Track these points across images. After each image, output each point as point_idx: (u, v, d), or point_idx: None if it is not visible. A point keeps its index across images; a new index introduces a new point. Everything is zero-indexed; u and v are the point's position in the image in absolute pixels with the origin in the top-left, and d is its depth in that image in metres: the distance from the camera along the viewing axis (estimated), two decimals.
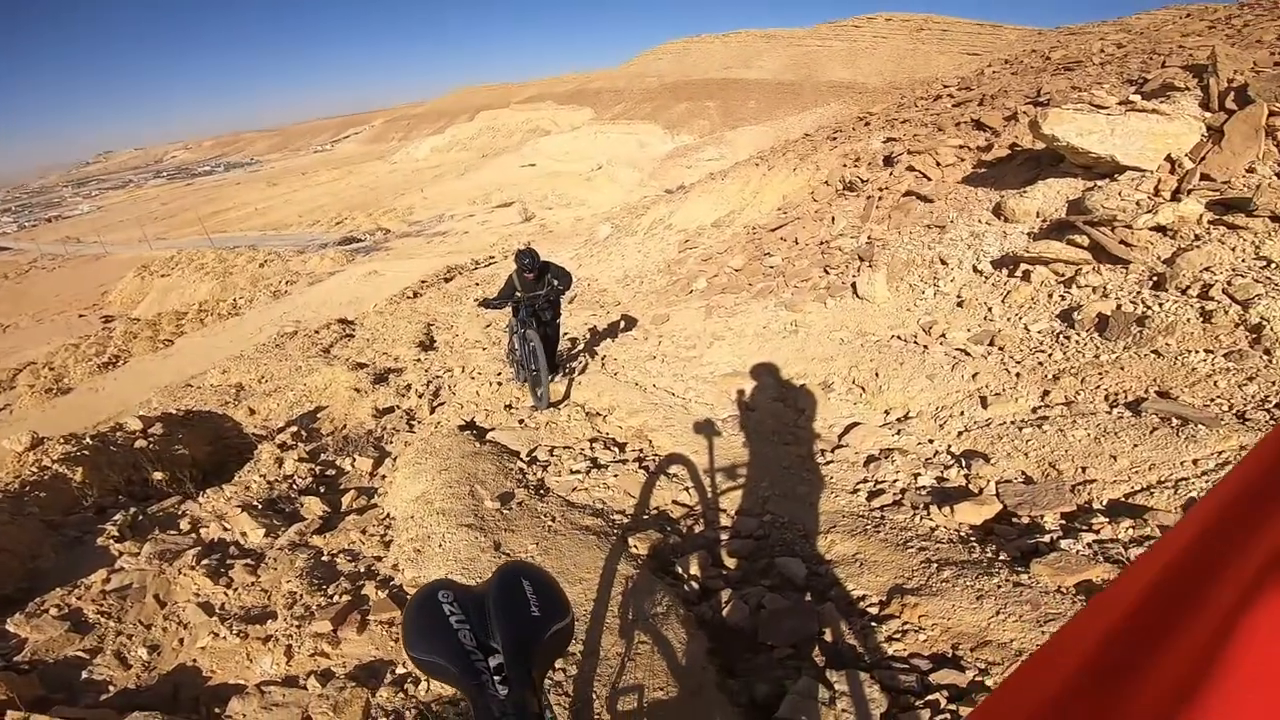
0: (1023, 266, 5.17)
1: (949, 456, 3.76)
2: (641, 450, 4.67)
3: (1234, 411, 3.18)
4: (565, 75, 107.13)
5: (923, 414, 4.32)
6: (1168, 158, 5.13)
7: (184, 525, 4.11)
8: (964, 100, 11.08)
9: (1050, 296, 4.79)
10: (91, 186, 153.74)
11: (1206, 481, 2.78)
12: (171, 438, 6.21)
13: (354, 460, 5.16)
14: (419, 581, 3.10)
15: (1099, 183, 5.45)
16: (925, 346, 4.96)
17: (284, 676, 2.70)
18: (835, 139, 13.15)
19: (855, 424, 4.46)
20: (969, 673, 2.14)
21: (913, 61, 59.47)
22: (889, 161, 9.25)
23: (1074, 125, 5.42)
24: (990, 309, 5.05)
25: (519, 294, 5.64)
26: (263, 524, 3.94)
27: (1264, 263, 4.02)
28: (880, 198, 8.16)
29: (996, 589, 2.45)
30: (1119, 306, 4.23)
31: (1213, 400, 3.31)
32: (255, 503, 4.29)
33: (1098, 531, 2.70)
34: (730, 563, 3.18)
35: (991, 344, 4.62)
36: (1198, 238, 4.43)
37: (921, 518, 3.19)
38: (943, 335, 5.04)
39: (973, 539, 2.93)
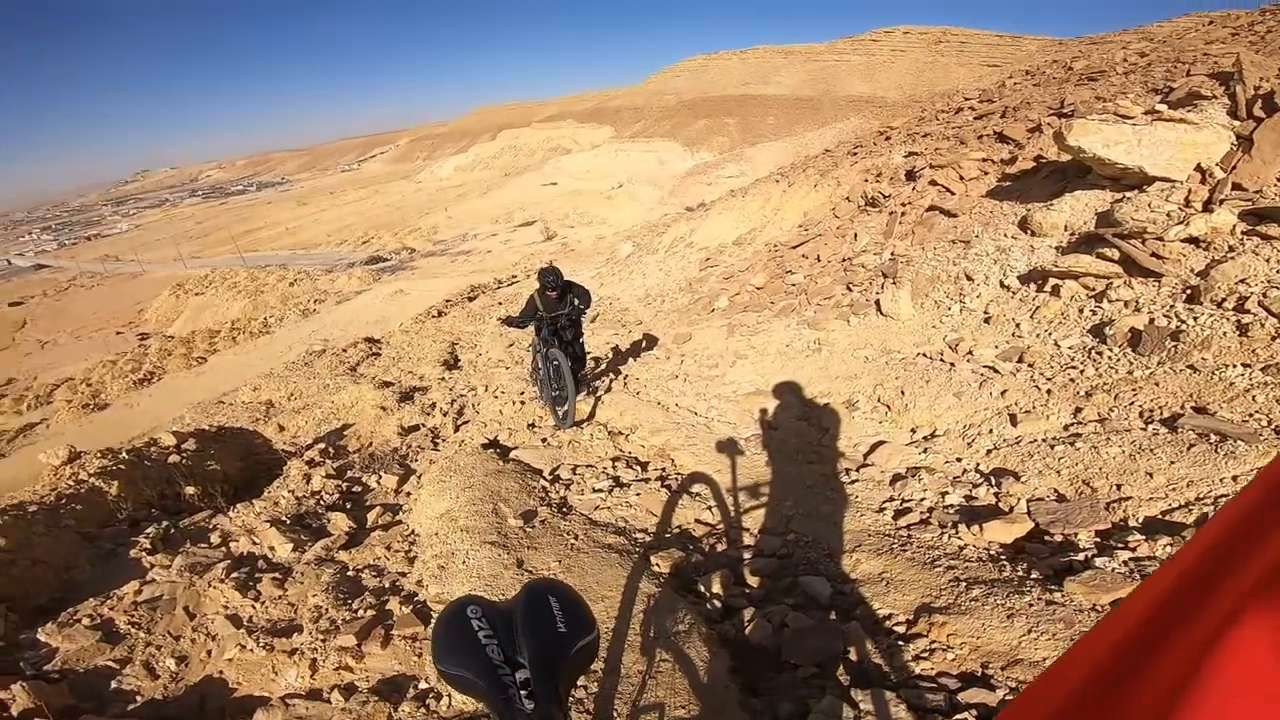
0: (1051, 281, 5.09)
1: (978, 475, 3.69)
2: (664, 469, 4.66)
3: (1273, 427, 3.08)
4: (584, 93, 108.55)
5: (950, 432, 4.25)
6: (1198, 167, 5.04)
7: (214, 539, 4.19)
8: (986, 113, 11.00)
9: (1081, 311, 4.70)
10: (130, 205, 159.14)
11: None
12: (204, 453, 6.36)
13: (379, 477, 5.22)
14: (443, 598, 3.12)
15: (1127, 194, 5.36)
16: (952, 364, 4.89)
17: (308, 690, 2.73)
18: (856, 154, 13.13)
19: (881, 442, 4.40)
20: (999, 691, 2.08)
21: (932, 74, 59.33)
22: (911, 176, 9.20)
23: (1100, 136, 5.35)
24: (1019, 325, 4.97)
25: (541, 313, 5.68)
26: (290, 539, 4.00)
27: None
28: (903, 213, 8.11)
29: (1028, 607, 2.39)
30: (1152, 321, 4.14)
31: (1251, 415, 3.21)
32: (284, 518, 4.37)
33: (1134, 549, 2.63)
34: (753, 581, 3.14)
35: (1021, 361, 4.54)
36: (1231, 249, 4.33)
37: (949, 536, 3.13)
38: (970, 352, 4.97)
39: (1003, 557, 2.87)
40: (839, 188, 10.92)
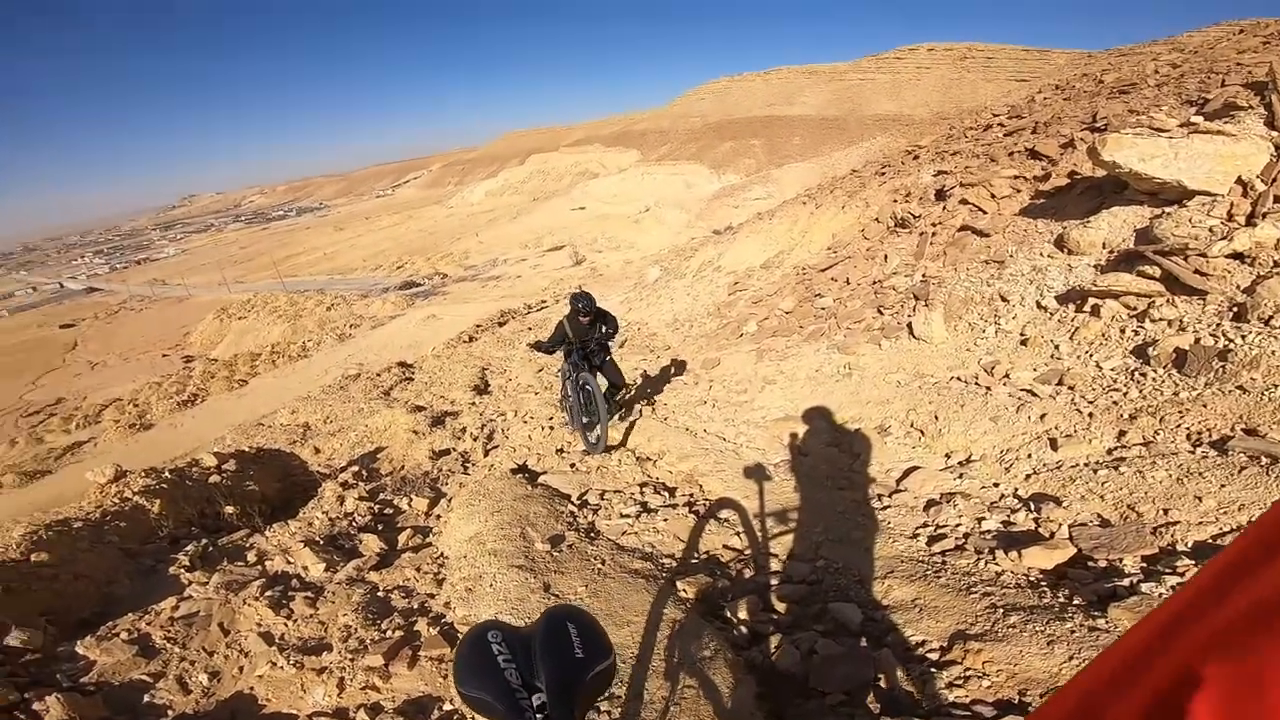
0: (1091, 301, 4.95)
1: (1016, 500, 3.58)
2: (692, 495, 4.62)
3: None
4: (610, 117, 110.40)
5: (986, 457, 4.13)
6: (1238, 180, 4.88)
7: (250, 557, 4.29)
8: (1016, 129, 10.85)
9: (1122, 332, 4.56)
10: (177, 230, 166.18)
11: None
12: (243, 474, 6.53)
13: (411, 500, 5.29)
14: (470, 620, 3.13)
15: (1167, 209, 5.21)
16: (988, 388, 4.77)
17: (335, 708, 2.75)
18: (884, 174, 13.06)
19: (914, 468, 4.31)
20: None
21: (959, 91, 58.90)
22: (941, 195, 9.10)
23: (1135, 150, 5.23)
24: (1057, 347, 4.84)
25: (570, 338, 5.70)
26: (323, 559, 4.07)
27: None
28: (934, 233, 8.01)
29: (1070, 634, 2.30)
30: (1198, 340, 4.00)
31: None
32: (317, 538, 4.45)
33: (1182, 575, 2.51)
34: (781, 607, 3.08)
35: (1060, 383, 4.41)
36: (1277, 264, 4.17)
37: (986, 562, 3.03)
38: (1006, 375, 4.85)
39: (1043, 584, 2.77)
40: (867, 209, 10.85)
